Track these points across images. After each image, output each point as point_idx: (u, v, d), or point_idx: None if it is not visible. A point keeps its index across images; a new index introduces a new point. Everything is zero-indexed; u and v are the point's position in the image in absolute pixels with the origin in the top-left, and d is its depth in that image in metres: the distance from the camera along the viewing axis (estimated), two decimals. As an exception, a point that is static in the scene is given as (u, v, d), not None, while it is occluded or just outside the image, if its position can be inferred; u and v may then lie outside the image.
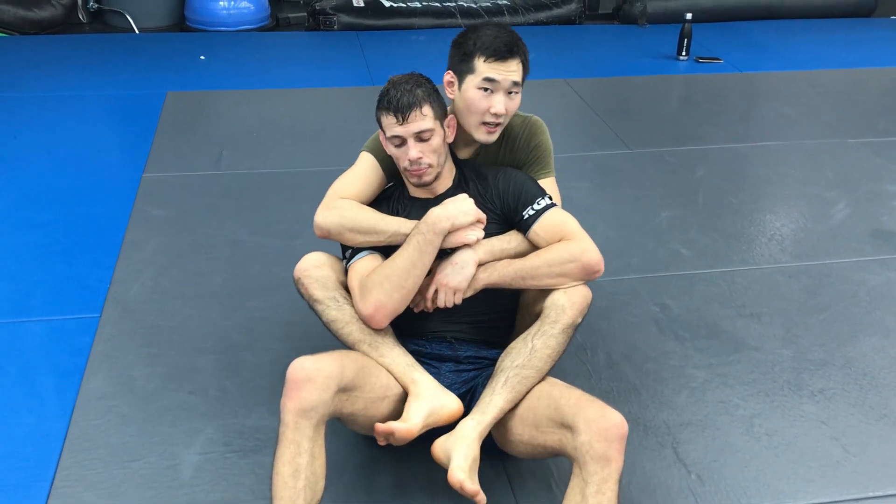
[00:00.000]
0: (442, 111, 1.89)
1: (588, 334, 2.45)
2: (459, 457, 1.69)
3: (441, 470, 1.73)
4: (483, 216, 1.87)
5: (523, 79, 1.93)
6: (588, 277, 1.86)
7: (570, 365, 2.31)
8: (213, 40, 5.28)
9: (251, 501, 1.85)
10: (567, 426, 1.66)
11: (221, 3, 5.43)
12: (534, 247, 1.90)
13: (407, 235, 1.85)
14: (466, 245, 1.87)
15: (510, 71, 1.88)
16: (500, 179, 1.96)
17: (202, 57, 4.90)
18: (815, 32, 5.74)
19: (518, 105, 1.96)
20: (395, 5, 5.49)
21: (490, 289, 1.90)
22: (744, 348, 2.41)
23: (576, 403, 1.68)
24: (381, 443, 1.76)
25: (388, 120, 1.85)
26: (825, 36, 5.68)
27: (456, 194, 1.90)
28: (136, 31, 5.44)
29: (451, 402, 1.82)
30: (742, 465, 1.99)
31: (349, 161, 2.04)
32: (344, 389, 1.70)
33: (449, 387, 1.86)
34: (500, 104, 1.89)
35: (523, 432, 1.78)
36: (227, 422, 2.08)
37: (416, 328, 1.96)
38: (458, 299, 1.88)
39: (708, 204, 3.28)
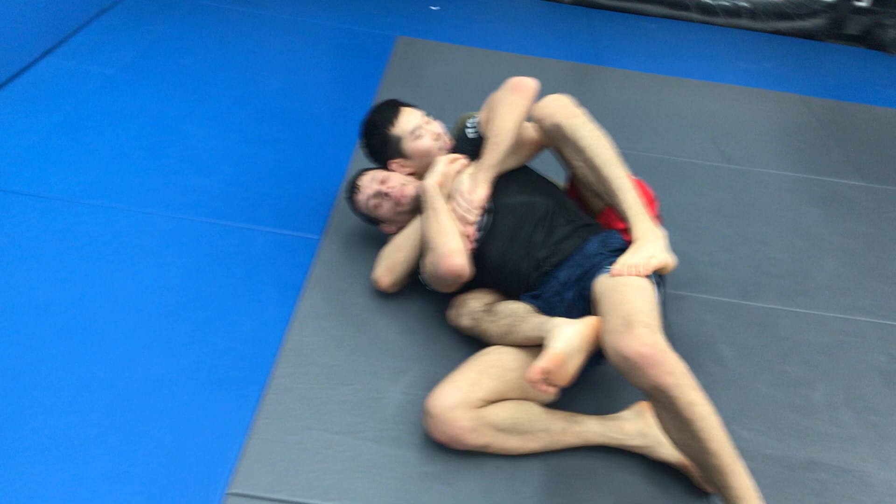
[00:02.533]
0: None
1: (807, 370, 2.30)
2: None
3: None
4: (452, 156, 2.24)
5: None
6: (522, 85, 2.16)
7: (784, 396, 2.17)
8: (444, -7, 5.31)
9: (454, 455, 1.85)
10: None
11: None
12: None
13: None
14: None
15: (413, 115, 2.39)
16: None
17: (434, 7, 4.95)
18: None
19: (438, 125, 2.42)
20: (630, -12, 5.32)
21: (523, 200, 2.14)
22: (984, 424, 2.18)
23: (606, 327, 1.71)
24: (548, 390, 1.77)
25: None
26: None
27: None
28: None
29: (585, 320, 1.84)
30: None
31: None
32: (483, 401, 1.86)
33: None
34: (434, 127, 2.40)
35: None
36: (430, 369, 2.09)
37: (519, 289, 2.09)
38: (475, 199, 2.11)
39: (952, 259, 2.99)
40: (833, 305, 2.59)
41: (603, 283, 1.84)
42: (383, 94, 3.63)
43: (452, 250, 2.05)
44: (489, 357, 1.94)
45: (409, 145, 2.35)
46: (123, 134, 2.99)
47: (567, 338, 1.77)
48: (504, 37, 4.70)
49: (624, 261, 1.86)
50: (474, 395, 1.83)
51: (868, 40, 5.47)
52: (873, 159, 3.75)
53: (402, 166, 2.40)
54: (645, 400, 1.97)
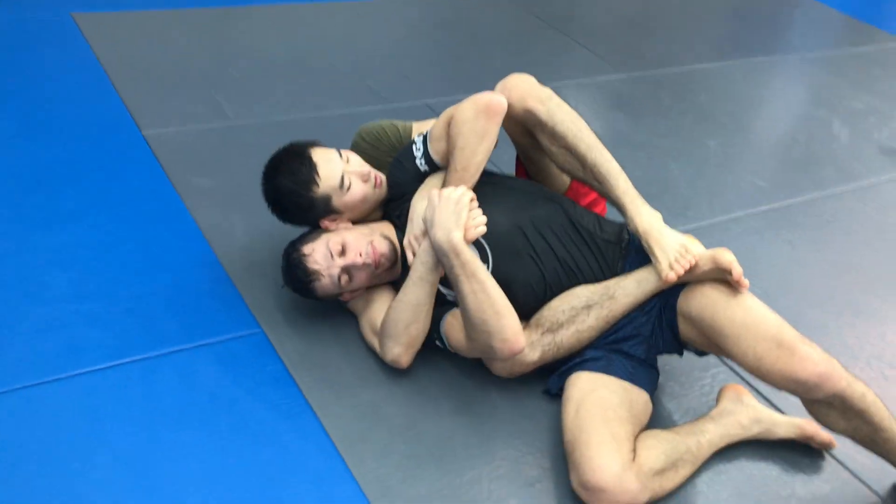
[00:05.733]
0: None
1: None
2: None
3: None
4: (461, 190, 1.82)
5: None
6: (493, 108, 1.83)
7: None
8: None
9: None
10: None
11: None
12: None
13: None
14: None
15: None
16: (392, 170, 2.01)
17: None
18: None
19: (356, 160, 2.00)
20: None
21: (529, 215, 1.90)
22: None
23: (754, 352, 1.66)
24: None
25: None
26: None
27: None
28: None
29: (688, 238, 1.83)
30: None
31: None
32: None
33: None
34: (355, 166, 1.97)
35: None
36: (533, 440, 1.83)
37: None
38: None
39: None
40: (703, 212, 2.81)
41: (701, 298, 1.76)
42: (134, 101, 2.84)
43: (517, 333, 1.74)
44: (596, 400, 1.74)
45: (342, 200, 1.95)
46: None
47: (697, 245, 1.80)
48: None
49: (665, 264, 1.78)
50: (627, 450, 1.66)
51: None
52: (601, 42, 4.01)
53: (337, 221, 1.99)
54: (733, 384, 1.98)
